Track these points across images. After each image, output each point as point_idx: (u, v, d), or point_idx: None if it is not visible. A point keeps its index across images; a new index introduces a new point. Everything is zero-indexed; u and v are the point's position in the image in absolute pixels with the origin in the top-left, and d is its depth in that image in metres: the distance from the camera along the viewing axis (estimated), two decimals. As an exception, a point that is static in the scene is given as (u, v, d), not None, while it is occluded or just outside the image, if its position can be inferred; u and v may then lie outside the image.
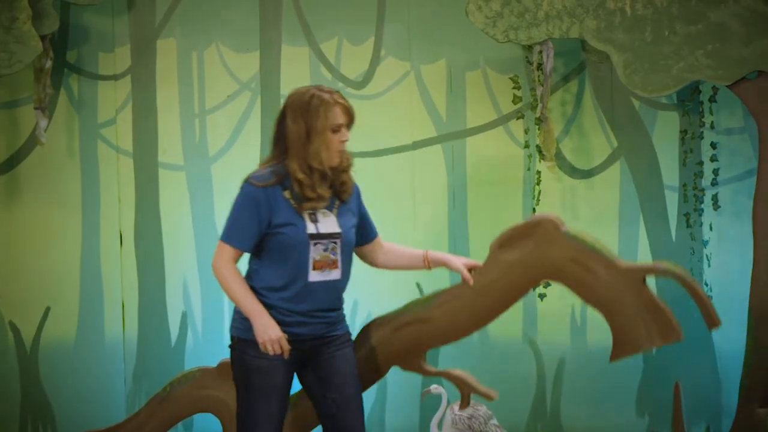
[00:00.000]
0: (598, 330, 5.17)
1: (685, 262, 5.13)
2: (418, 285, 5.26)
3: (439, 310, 3.57)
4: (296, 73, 5.26)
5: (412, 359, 3.67)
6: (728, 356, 5.16)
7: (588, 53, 5.18)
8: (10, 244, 5.25)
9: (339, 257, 3.46)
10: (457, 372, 3.66)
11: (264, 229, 3.38)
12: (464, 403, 3.70)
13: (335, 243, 3.44)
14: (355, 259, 3.65)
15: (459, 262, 3.59)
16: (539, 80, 5.05)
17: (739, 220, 5.15)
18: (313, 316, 3.46)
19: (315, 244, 3.41)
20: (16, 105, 5.24)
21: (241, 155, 5.29)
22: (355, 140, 5.18)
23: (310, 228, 3.40)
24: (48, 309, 5.23)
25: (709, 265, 5.24)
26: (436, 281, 5.23)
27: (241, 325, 3.43)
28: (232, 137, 5.37)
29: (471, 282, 3.52)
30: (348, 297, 5.17)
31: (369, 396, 5.25)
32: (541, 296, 5.15)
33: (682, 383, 4.50)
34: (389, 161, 5.28)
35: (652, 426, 5.24)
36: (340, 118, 3.42)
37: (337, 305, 3.56)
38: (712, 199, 5.19)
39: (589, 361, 5.27)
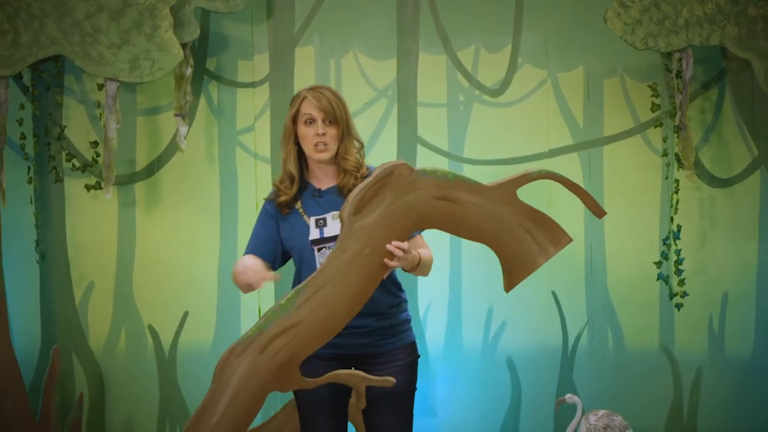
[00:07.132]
0: (737, 339, 5.19)
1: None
2: (553, 293, 5.24)
3: (307, 307, 3.12)
4: (433, 81, 5.27)
5: (290, 376, 3.18)
6: None
7: (728, 61, 5.12)
8: (150, 248, 5.30)
9: None
10: (344, 372, 3.29)
11: (280, 243, 3.45)
12: (362, 401, 3.32)
13: None
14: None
15: None
16: (678, 88, 5.01)
17: None
18: None
19: (319, 249, 3.38)
20: (157, 112, 5.29)
21: (376, 162, 5.21)
22: (491, 148, 5.26)
23: (313, 234, 3.40)
24: (186, 314, 5.28)
25: None
26: (573, 288, 5.24)
27: None
28: (368, 144, 5.30)
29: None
30: (482, 304, 5.25)
31: (503, 404, 5.26)
32: (678, 306, 5.10)
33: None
34: (525, 169, 5.24)
35: (793, 438, 5.19)
36: (307, 109, 3.45)
37: (365, 312, 3.30)
38: None
39: (727, 371, 5.21)
